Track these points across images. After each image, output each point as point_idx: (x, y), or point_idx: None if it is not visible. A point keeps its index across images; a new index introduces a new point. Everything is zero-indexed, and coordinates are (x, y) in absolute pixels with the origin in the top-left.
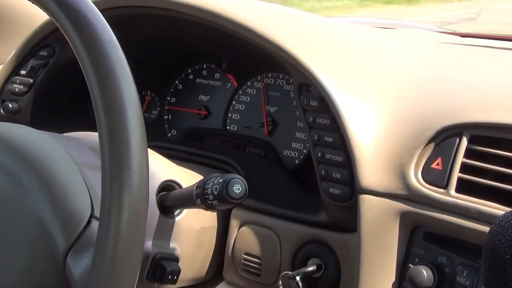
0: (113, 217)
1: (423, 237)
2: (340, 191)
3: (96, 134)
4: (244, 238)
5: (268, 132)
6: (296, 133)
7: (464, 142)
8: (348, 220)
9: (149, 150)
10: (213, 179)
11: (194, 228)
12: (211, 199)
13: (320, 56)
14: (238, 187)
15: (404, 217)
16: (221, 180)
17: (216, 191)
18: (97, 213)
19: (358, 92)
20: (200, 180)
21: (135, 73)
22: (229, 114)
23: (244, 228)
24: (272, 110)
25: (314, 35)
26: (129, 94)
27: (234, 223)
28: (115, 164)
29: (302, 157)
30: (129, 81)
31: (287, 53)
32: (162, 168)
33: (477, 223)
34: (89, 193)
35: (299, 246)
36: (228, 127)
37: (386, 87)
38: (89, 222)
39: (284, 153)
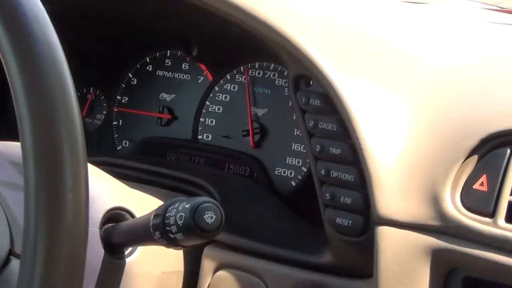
0: (39, 255)
1: (462, 284)
2: (350, 221)
3: (18, 144)
4: (220, 287)
5: (254, 143)
6: (293, 145)
7: None
8: (361, 261)
9: (91, 167)
10: (176, 205)
11: (152, 274)
12: (174, 231)
13: (324, 38)
14: (210, 214)
15: (436, 256)
16: (187, 206)
17: (181, 220)
18: (18, 249)
19: (375, 87)
20: (160, 206)
21: (72, 62)
22: (201, 119)
23: (220, 273)
24: (259, 113)
25: (317, 11)
26: (62, 90)
27: (207, 267)
28: (42, 183)
29: (300, 177)
30: (62, 72)
31: (279, 34)
32: (108, 192)
33: None
34: (8, 223)
35: None
36: (200, 137)
37: (413, 81)
38: (7, 261)
39: (276, 172)
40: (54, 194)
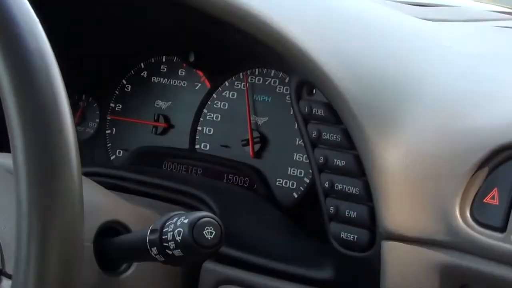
0: (31, 276)
1: None
2: (356, 236)
3: (9, 154)
4: None
5: (254, 153)
6: (295, 155)
7: None
8: (366, 278)
9: (85, 179)
10: (174, 220)
11: None
12: (172, 247)
13: (329, 42)
14: (210, 230)
15: (446, 273)
16: (186, 221)
17: (179, 235)
18: (9, 269)
19: (382, 95)
20: (157, 221)
21: (64, 68)
22: (199, 128)
23: None
24: (260, 122)
25: (321, 14)
26: (55, 100)
27: (205, 283)
28: (35, 196)
29: (302, 189)
30: (55, 81)
31: (282, 38)
32: (101, 204)
33: None
34: None
35: None
36: (197, 146)
37: (422, 88)
38: None
39: (277, 183)
40: (47, 211)
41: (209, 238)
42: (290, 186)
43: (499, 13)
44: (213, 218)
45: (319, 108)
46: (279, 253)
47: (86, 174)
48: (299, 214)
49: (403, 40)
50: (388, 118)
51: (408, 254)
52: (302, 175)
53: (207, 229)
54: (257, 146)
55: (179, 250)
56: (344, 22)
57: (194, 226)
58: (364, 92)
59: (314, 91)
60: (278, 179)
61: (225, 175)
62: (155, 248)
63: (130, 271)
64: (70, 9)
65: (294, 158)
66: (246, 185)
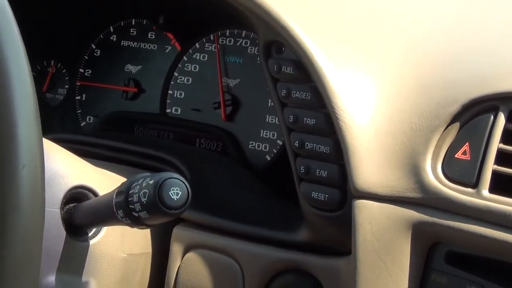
0: None
1: (445, 259)
2: (326, 195)
3: None
4: (191, 269)
5: (226, 116)
6: (267, 117)
7: (502, 120)
8: (338, 238)
9: (53, 145)
10: (140, 181)
11: (117, 256)
12: (138, 209)
13: (297, 2)
14: (176, 190)
15: (418, 230)
16: (151, 182)
17: (144, 197)
18: None
19: (351, 53)
20: (123, 183)
21: (31, 33)
22: (170, 92)
23: (191, 255)
24: (231, 84)
25: None
26: (15, 63)
27: (176, 248)
28: None
29: (275, 151)
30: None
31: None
32: (70, 170)
33: None
34: None
35: (270, 278)
36: (168, 110)
37: (391, 46)
38: None
39: (249, 146)
40: (5, 168)
41: (175, 198)
42: (263, 149)
43: None
44: (179, 179)
45: (288, 66)
46: (252, 216)
47: (56, 141)
48: (272, 177)
49: (371, 1)
50: (358, 74)
51: (379, 212)
52: (275, 137)
53: (173, 189)
54: (229, 109)
55: (145, 212)
56: None
57: (159, 187)
58: (332, 48)
59: (283, 49)
60: (250, 142)
61: (197, 139)
62: (121, 210)
63: (99, 236)
64: None
65: (267, 120)
66: (218, 149)
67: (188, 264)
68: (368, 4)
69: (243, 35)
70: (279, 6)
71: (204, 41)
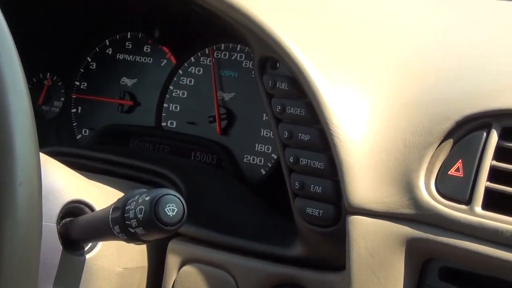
0: None
1: (439, 275)
2: (321, 211)
3: None
4: (186, 283)
5: (221, 129)
6: (262, 131)
7: (494, 137)
8: (333, 253)
9: (48, 159)
10: (136, 197)
11: (113, 270)
12: (134, 225)
13: (291, 19)
14: (172, 207)
15: (411, 246)
16: (147, 198)
17: (140, 213)
18: None
19: (345, 69)
20: (119, 199)
21: (27, 46)
22: (165, 105)
23: (186, 268)
24: (226, 98)
25: None
26: (11, 77)
27: (172, 261)
28: None
29: (270, 165)
30: (11, 59)
31: (243, 14)
32: (66, 184)
33: None
34: None
35: None
36: (163, 123)
37: (385, 62)
38: None
39: (244, 160)
40: (3, 185)
41: (171, 215)
42: (258, 162)
43: None
44: (174, 195)
45: (283, 82)
46: (247, 230)
47: (52, 154)
48: (267, 191)
49: (365, 17)
50: (352, 91)
51: (373, 228)
52: (270, 151)
53: (169, 206)
54: (224, 123)
55: (141, 228)
56: (306, 1)
57: (155, 204)
58: (326, 65)
59: (277, 65)
60: (245, 156)
61: (192, 153)
62: (118, 226)
63: (95, 251)
64: None
65: (262, 134)
66: (213, 162)
67: (183, 278)
68: (362, 21)
69: (238, 49)
70: (273, 23)
71: (199, 55)
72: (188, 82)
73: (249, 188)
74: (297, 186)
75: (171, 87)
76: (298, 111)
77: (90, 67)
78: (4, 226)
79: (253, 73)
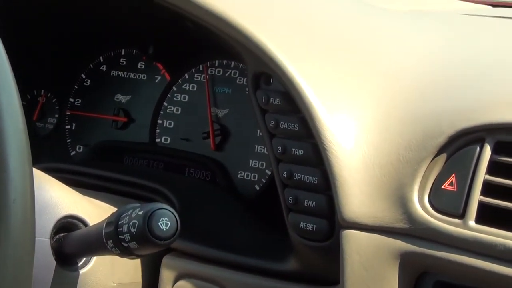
0: None
1: None
2: (315, 226)
3: None
4: None
5: (215, 145)
6: (256, 146)
7: (488, 151)
8: (327, 268)
9: (43, 175)
10: (129, 212)
11: (107, 285)
12: (127, 239)
13: (284, 34)
14: (165, 221)
15: (405, 260)
16: (141, 213)
17: (134, 228)
18: None
19: (339, 84)
20: (112, 214)
21: (22, 62)
22: (159, 121)
23: (180, 284)
24: (220, 114)
25: (276, 6)
26: (5, 94)
27: (166, 277)
28: None
29: (264, 181)
30: (5, 77)
31: (237, 30)
32: (60, 200)
33: (509, 267)
34: None
35: None
36: (158, 140)
37: (378, 78)
38: None
39: (238, 176)
40: None
41: (164, 229)
42: (252, 178)
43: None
44: (168, 209)
45: (277, 97)
46: (241, 246)
47: (46, 170)
48: (261, 206)
49: (359, 32)
50: (345, 105)
51: (367, 243)
52: (264, 167)
53: (162, 220)
54: (218, 139)
55: (134, 242)
56: (299, 16)
57: (149, 218)
58: (320, 80)
59: (271, 81)
60: (239, 172)
61: (187, 169)
62: (111, 241)
63: (89, 266)
64: (27, 2)
65: (256, 150)
66: (207, 178)
67: None
68: (355, 35)
69: (232, 65)
70: (267, 39)
71: (194, 71)
72: (182, 99)
73: (243, 203)
74: (290, 201)
75: (165, 104)
76: (292, 126)
77: (84, 83)
78: None
79: (247, 89)
